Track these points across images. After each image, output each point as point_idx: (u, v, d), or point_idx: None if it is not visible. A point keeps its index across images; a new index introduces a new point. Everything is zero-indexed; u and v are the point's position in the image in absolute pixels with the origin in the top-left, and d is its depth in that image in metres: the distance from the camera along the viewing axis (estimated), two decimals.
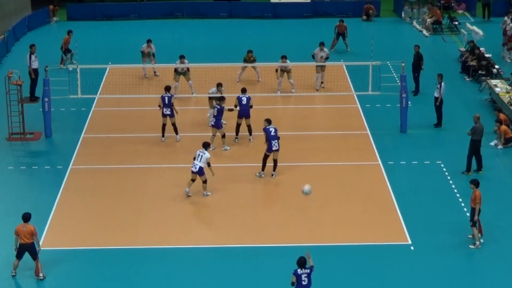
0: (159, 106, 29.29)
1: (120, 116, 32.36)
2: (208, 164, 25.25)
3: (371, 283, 21.12)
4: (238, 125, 29.27)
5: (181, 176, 27.11)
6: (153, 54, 35.94)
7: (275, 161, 26.61)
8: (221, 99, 29.08)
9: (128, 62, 36.84)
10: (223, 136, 28.77)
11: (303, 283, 18.93)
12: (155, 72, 36.22)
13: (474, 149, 27.08)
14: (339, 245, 22.89)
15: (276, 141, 26.30)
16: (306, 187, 21.75)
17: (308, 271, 19.04)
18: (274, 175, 26.67)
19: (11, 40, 41.71)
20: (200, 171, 25.20)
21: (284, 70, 33.60)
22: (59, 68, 35.31)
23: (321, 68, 34.34)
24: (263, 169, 26.65)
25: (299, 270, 18.93)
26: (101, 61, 36.95)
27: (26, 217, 21.26)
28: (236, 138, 29.28)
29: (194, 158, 25.38)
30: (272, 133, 26.32)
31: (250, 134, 29.43)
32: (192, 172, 25.30)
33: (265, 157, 26.55)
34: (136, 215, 24.57)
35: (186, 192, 25.52)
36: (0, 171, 27.77)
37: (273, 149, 26.32)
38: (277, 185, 26.48)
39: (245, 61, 34.78)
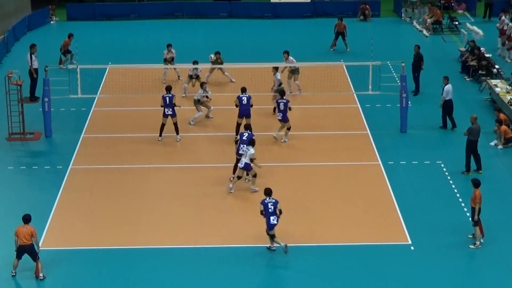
0: (162, 106, 29.30)
1: (120, 116, 32.36)
2: (251, 160, 25.40)
3: (371, 283, 21.11)
4: (238, 125, 29.26)
5: (181, 176, 27.14)
6: (173, 59, 35.28)
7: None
8: (283, 93, 29.49)
9: (128, 62, 36.86)
10: (289, 128, 29.43)
11: (270, 210, 22.08)
12: (178, 76, 35.71)
13: (471, 149, 27.07)
14: (339, 245, 22.89)
15: (244, 145, 26.02)
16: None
17: (274, 201, 22.16)
18: (247, 180, 26.38)
19: (11, 40, 41.72)
20: (247, 167, 25.46)
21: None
22: (59, 68, 35.29)
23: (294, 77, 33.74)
24: (233, 172, 26.29)
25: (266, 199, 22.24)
26: (101, 61, 36.97)
27: (27, 219, 21.25)
28: (236, 137, 29.26)
29: (239, 154, 25.86)
30: (244, 138, 26.27)
31: None
32: (240, 168, 25.55)
33: (236, 161, 26.32)
34: (136, 215, 24.57)
35: (229, 188, 25.75)
36: (0, 171, 27.78)
37: (240, 152, 26.08)
38: (276, 185, 26.41)
39: (212, 63, 34.54)
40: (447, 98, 30.31)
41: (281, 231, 23.58)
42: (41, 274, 21.22)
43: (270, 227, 22.19)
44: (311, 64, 34.50)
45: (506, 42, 39.37)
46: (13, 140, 30.14)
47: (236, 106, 29.20)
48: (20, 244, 21.09)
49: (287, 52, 33.45)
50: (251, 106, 29.25)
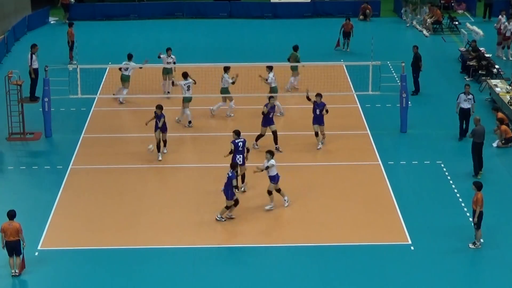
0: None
1: (120, 116, 32.37)
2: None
3: (371, 283, 21.12)
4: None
5: (181, 176, 27.13)
6: (174, 63, 33.80)
7: (242, 176, 25.67)
8: (319, 96, 28.74)
9: None
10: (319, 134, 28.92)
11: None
12: (168, 91, 33.84)
13: (477, 152, 26.79)
14: (339, 245, 22.89)
15: (240, 156, 25.32)
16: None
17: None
18: (244, 188, 25.77)
19: (11, 40, 41.72)
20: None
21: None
22: (72, 69, 34.35)
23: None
24: (242, 181, 25.73)
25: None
26: (101, 61, 36.95)
27: (12, 215, 21.28)
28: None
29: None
30: (240, 148, 25.37)
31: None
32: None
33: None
34: (136, 215, 24.56)
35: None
36: (0, 171, 27.78)
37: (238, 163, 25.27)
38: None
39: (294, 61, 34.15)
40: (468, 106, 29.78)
41: (282, 232, 23.61)
42: (17, 270, 21.21)
43: None
44: (311, 64, 34.50)
45: (502, 41, 39.49)
46: (13, 140, 30.13)
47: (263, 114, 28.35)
48: (7, 241, 21.08)
49: (269, 68, 31.81)
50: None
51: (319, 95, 28.77)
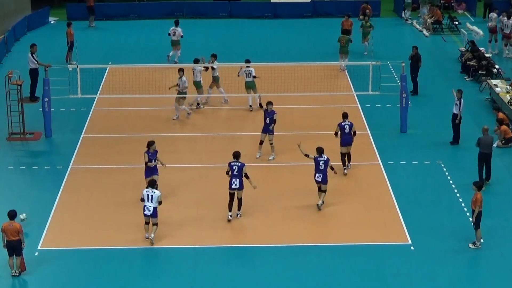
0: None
1: (120, 116, 32.37)
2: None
3: (371, 283, 21.12)
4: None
5: (181, 176, 27.13)
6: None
7: (239, 200, 24.19)
8: (270, 104, 27.62)
9: (128, 62, 36.86)
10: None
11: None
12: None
13: (483, 162, 26.17)
14: (339, 245, 22.89)
15: (237, 179, 23.78)
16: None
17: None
18: (239, 215, 24.27)
19: (11, 40, 41.73)
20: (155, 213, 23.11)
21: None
22: (72, 69, 34.30)
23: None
24: (229, 210, 24.15)
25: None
26: (101, 61, 36.97)
27: (12, 215, 21.29)
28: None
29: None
30: (235, 172, 23.78)
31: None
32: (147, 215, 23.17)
33: (230, 196, 24.17)
34: (136, 215, 24.54)
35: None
36: (0, 171, 27.78)
37: (232, 186, 23.93)
38: (277, 186, 26.45)
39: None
40: (456, 112, 29.31)
41: (282, 231, 23.61)
42: (17, 270, 21.21)
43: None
44: (311, 64, 34.50)
45: (505, 38, 39.55)
46: (13, 140, 30.14)
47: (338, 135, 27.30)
48: (8, 241, 21.09)
49: (181, 70, 31.35)
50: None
51: (270, 103, 27.71)
